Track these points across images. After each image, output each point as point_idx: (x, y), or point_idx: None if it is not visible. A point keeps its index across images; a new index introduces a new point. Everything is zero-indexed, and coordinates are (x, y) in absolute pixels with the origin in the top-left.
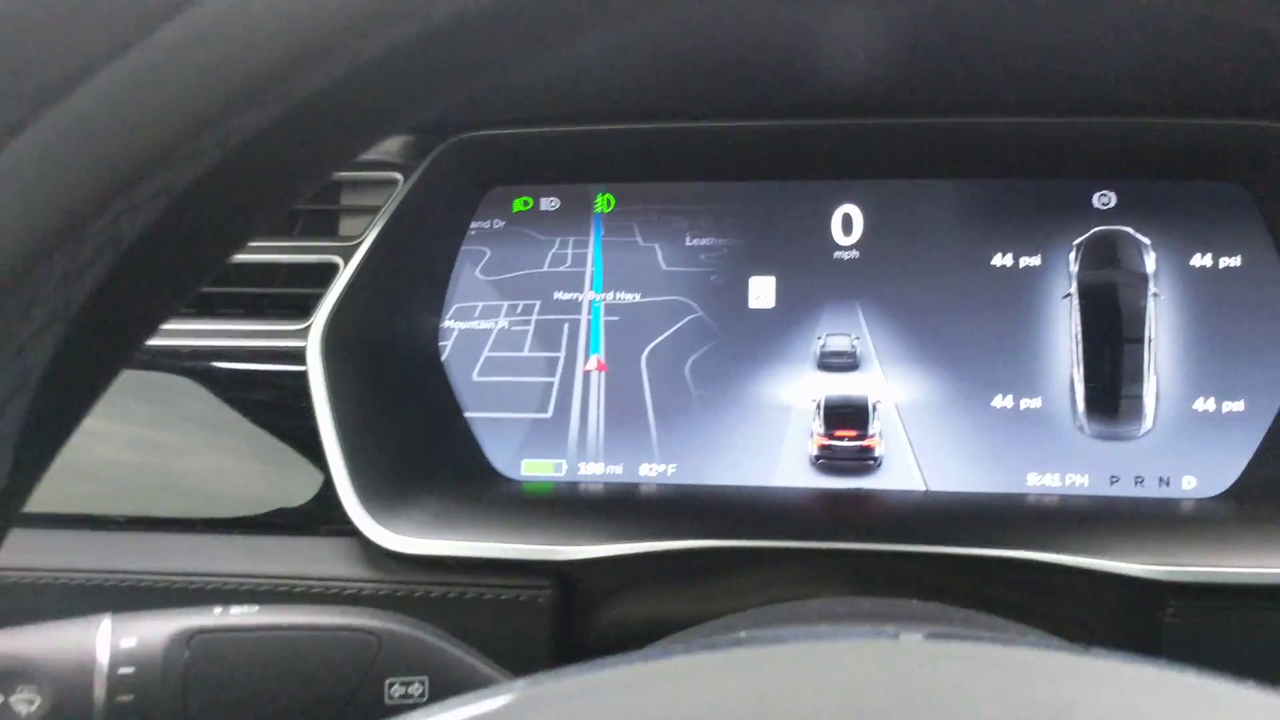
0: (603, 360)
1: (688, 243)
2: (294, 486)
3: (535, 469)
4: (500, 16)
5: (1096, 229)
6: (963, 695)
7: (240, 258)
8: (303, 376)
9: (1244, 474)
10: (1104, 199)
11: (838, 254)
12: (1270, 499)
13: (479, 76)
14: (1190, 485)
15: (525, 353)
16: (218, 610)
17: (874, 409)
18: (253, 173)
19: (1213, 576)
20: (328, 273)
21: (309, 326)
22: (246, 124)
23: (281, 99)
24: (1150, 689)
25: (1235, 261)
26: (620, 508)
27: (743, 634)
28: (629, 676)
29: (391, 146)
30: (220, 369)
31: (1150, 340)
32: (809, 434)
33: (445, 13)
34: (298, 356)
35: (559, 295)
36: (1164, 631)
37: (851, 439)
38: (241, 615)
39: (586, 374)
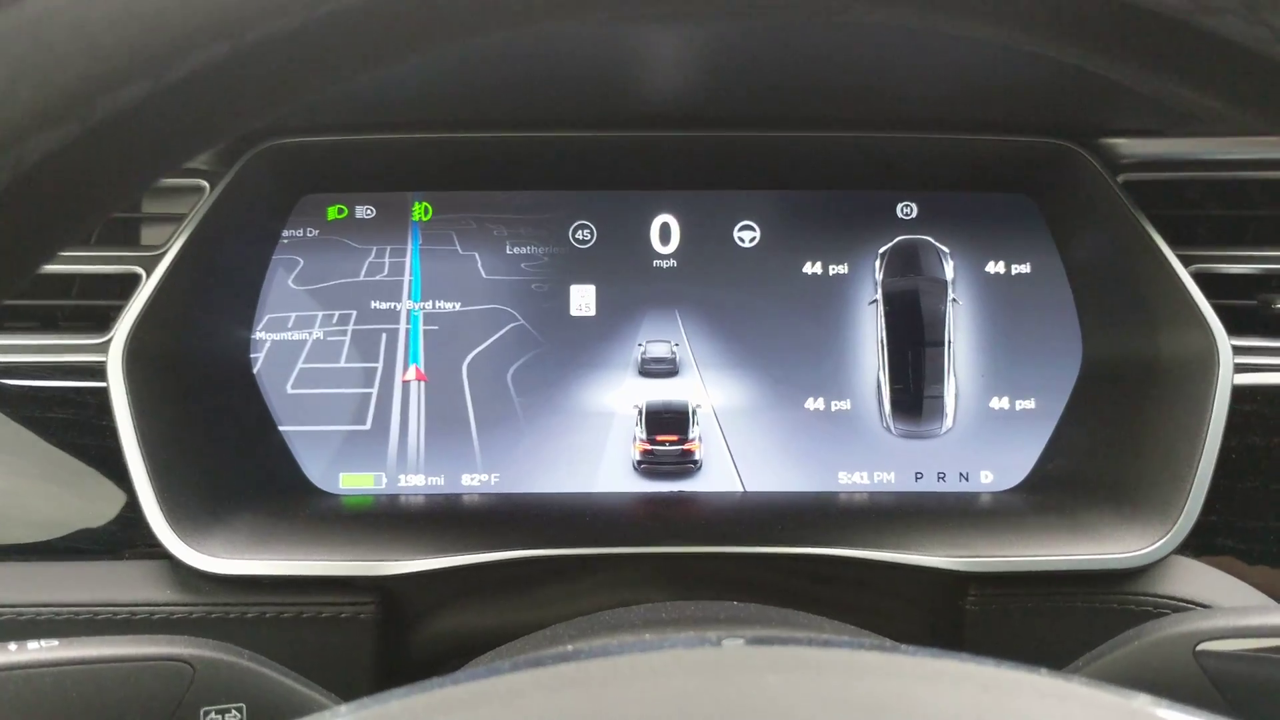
0: (422, 370)
1: (508, 251)
2: (97, 508)
3: (354, 482)
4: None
5: (900, 238)
6: (785, 697)
7: None
8: (103, 393)
9: (1035, 467)
10: (906, 210)
11: (656, 262)
12: (1058, 490)
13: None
14: (988, 479)
15: (342, 363)
16: (13, 646)
17: (694, 413)
18: (46, 192)
19: (1008, 565)
20: (129, 284)
21: (109, 340)
22: (39, 145)
23: (78, 121)
24: (956, 681)
25: (1025, 268)
26: (442, 519)
27: (570, 647)
28: (457, 698)
29: None
30: (13, 386)
31: (950, 343)
32: (631, 439)
33: (253, 38)
34: (98, 372)
35: (376, 304)
36: (966, 618)
37: (673, 443)
38: (40, 650)
39: (406, 384)
